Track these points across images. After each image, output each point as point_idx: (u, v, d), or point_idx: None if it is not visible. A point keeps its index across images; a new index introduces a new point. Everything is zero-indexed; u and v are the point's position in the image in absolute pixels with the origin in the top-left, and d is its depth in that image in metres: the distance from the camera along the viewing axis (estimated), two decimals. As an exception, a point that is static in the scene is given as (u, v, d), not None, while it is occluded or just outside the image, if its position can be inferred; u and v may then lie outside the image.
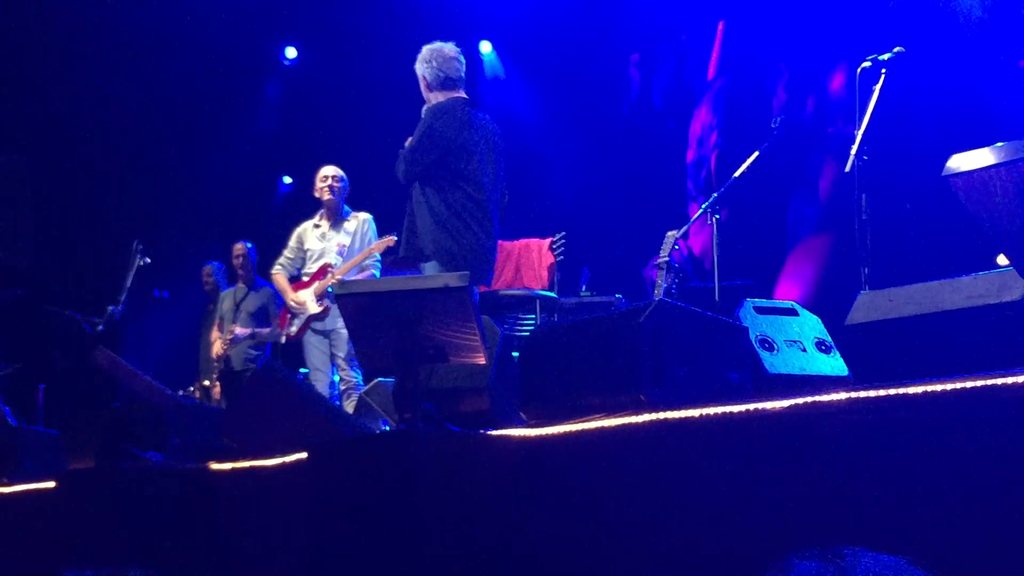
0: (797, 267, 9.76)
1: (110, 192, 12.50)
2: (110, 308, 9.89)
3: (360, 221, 9.09)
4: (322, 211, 9.11)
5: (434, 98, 7.10)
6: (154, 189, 12.77)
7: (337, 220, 9.06)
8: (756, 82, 10.50)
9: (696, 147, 11.34)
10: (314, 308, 8.83)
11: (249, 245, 10.75)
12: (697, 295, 8.06)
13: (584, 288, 9.78)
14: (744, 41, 10.85)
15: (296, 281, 9.09)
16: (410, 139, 7.02)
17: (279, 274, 9.15)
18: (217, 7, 12.28)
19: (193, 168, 13.01)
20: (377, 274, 8.74)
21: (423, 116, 7.04)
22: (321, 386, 8.67)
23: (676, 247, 7.32)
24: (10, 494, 6.34)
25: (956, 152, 4.82)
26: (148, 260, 10.18)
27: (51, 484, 6.05)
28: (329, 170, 9.08)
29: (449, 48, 7.17)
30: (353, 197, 9.31)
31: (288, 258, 9.14)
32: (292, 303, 8.92)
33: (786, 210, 10.26)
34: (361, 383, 8.71)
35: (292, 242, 9.17)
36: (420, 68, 7.15)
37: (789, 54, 10.27)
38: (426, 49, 7.18)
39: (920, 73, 7.14)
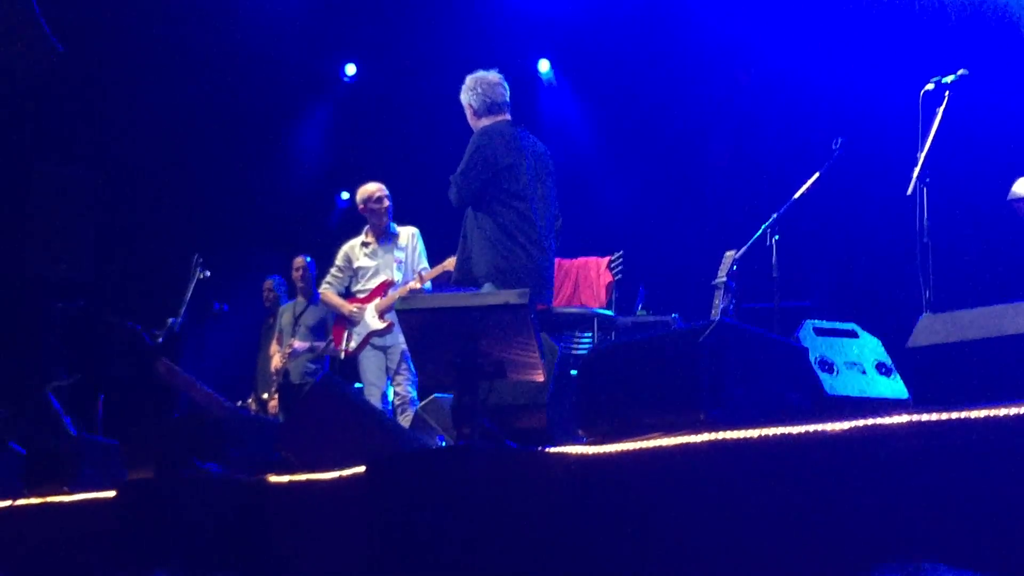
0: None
1: (171, 205, 12.62)
2: (170, 320, 9.99)
3: (410, 235, 9.17)
4: (367, 228, 9.18)
5: (481, 124, 7.20)
6: (215, 203, 12.88)
7: (386, 236, 9.12)
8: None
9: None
10: (377, 324, 8.89)
11: (308, 259, 10.84)
12: (755, 315, 8.04)
13: (640, 307, 9.76)
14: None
15: (348, 298, 9.15)
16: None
17: (328, 291, 9.23)
18: (279, 24, 12.40)
19: (254, 183, 13.12)
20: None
21: (471, 141, 7.13)
22: (375, 400, 8.72)
23: (734, 267, 7.31)
24: (71, 503, 6.39)
25: (1020, 176, 4.81)
26: (208, 273, 10.27)
27: (111, 493, 6.10)
28: (378, 188, 9.13)
29: (492, 75, 7.30)
30: (410, 215, 9.37)
31: (336, 276, 9.23)
32: (352, 311, 8.97)
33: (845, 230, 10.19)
34: (415, 398, 8.75)
35: (340, 261, 9.25)
36: (465, 97, 7.29)
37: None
38: (470, 78, 7.31)
39: (984, 95, 7.09)
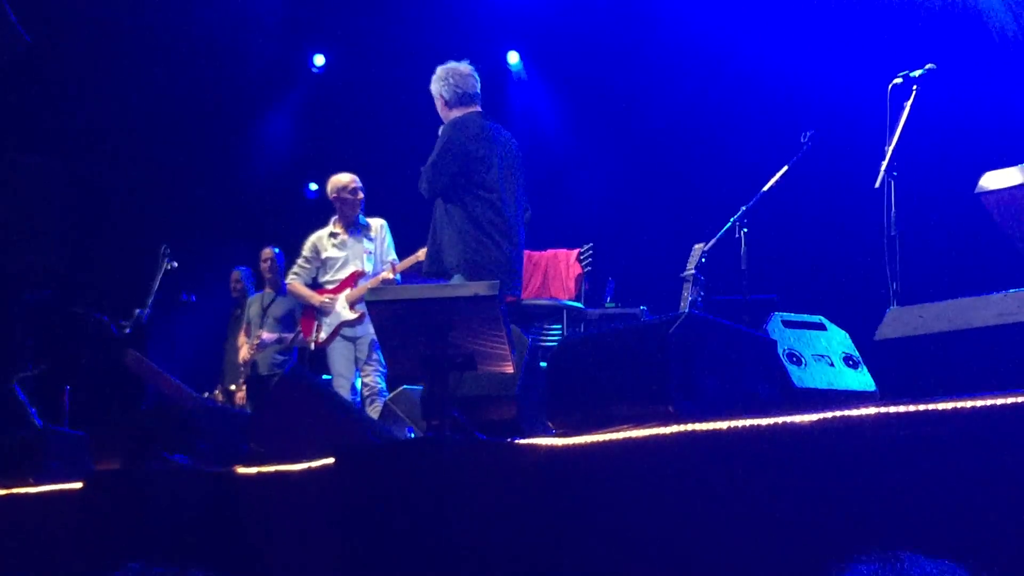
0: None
1: (139, 196, 12.56)
2: (137, 311, 9.94)
3: (379, 226, 9.15)
4: (335, 219, 9.15)
5: (452, 115, 7.19)
6: (183, 193, 12.83)
7: (356, 227, 9.10)
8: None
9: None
10: (348, 315, 8.87)
11: (277, 250, 10.81)
12: (723, 308, 8.06)
13: (609, 299, 9.78)
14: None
15: (317, 289, 9.12)
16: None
17: (295, 282, 9.19)
18: (248, 14, 12.35)
19: (221, 173, 13.08)
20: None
21: (441, 132, 7.12)
22: (344, 392, 8.70)
23: (703, 260, 7.33)
24: (36, 494, 6.36)
25: (988, 170, 4.83)
26: (176, 264, 10.23)
27: (78, 485, 6.07)
28: (351, 179, 9.11)
29: (464, 66, 7.29)
30: (378, 206, 9.36)
31: (303, 267, 9.19)
32: (324, 301, 8.94)
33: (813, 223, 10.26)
34: (384, 390, 8.74)
35: (307, 251, 9.21)
36: (436, 87, 7.27)
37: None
38: (441, 69, 7.29)
39: (952, 90, 7.14)
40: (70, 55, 11.59)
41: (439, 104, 7.30)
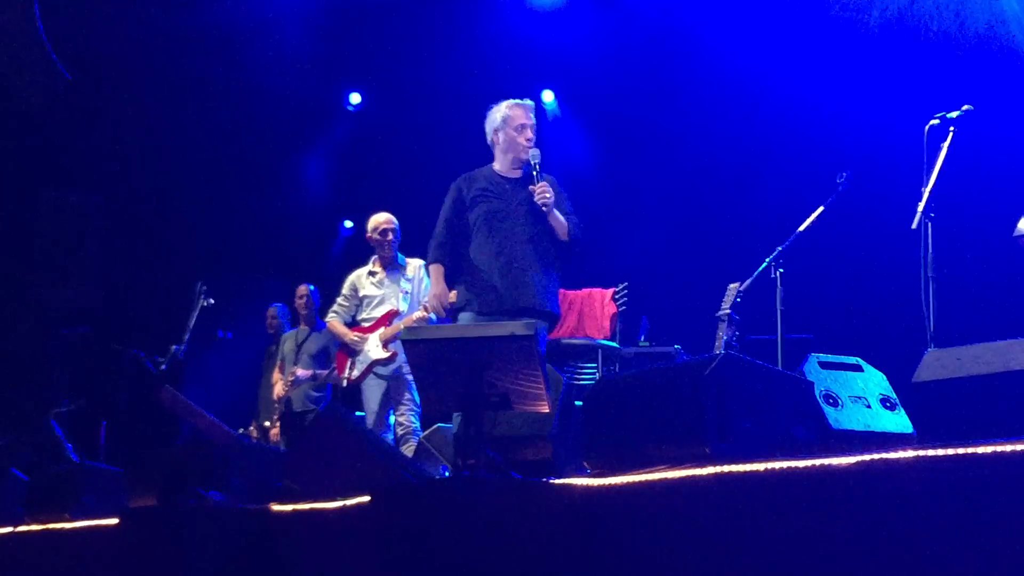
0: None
1: (176, 233, 12.64)
2: (174, 347, 9.98)
3: (417, 267, 9.16)
4: (375, 258, 9.18)
5: None
6: (219, 231, 12.90)
7: (393, 267, 9.12)
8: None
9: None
10: (380, 354, 8.87)
11: (312, 287, 10.85)
12: (758, 348, 8.04)
13: (643, 338, 9.76)
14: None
15: (353, 326, 9.14)
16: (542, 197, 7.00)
17: (335, 320, 9.21)
18: (285, 52, 12.43)
19: (258, 211, 13.14)
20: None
21: (553, 181, 7.19)
22: (377, 430, 8.69)
23: (738, 299, 7.32)
24: (72, 530, 6.39)
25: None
26: (212, 301, 10.27)
27: (113, 521, 6.10)
28: (386, 219, 9.12)
29: None
30: (415, 245, 9.37)
31: (343, 305, 9.21)
32: (354, 339, 8.95)
33: (849, 263, 10.23)
34: (418, 428, 8.74)
35: (346, 290, 9.24)
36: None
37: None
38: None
39: (989, 131, 7.12)
40: (109, 93, 11.70)
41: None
